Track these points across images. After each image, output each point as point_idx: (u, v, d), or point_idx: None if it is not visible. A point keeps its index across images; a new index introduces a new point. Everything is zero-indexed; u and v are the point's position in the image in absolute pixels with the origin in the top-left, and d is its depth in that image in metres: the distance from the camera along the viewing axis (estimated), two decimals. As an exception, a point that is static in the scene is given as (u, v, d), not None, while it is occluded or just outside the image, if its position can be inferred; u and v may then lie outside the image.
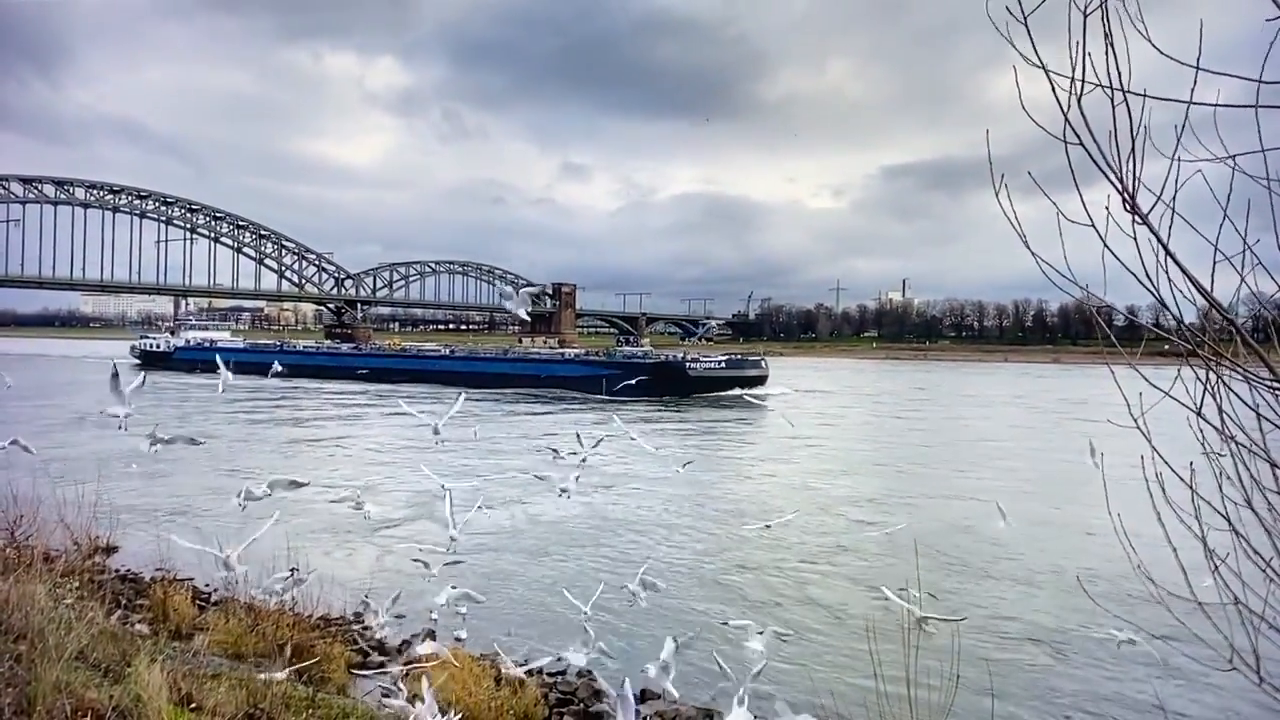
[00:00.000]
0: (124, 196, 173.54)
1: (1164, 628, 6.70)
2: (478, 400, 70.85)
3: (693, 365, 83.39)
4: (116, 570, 17.91)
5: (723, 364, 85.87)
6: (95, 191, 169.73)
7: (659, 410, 67.37)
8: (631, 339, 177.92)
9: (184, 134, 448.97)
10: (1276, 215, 3.16)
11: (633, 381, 67.12)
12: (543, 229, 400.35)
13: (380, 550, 22.10)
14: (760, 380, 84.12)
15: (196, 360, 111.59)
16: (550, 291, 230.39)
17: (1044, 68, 3.20)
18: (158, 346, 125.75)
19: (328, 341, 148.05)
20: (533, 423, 57.25)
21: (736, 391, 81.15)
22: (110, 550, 19.14)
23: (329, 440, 46.02)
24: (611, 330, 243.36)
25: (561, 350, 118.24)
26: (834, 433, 53.54)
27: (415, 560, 12.87)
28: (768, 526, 17.63)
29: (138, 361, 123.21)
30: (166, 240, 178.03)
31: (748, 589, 19.09)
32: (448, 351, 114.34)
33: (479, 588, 14.16)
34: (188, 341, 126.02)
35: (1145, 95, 3.11)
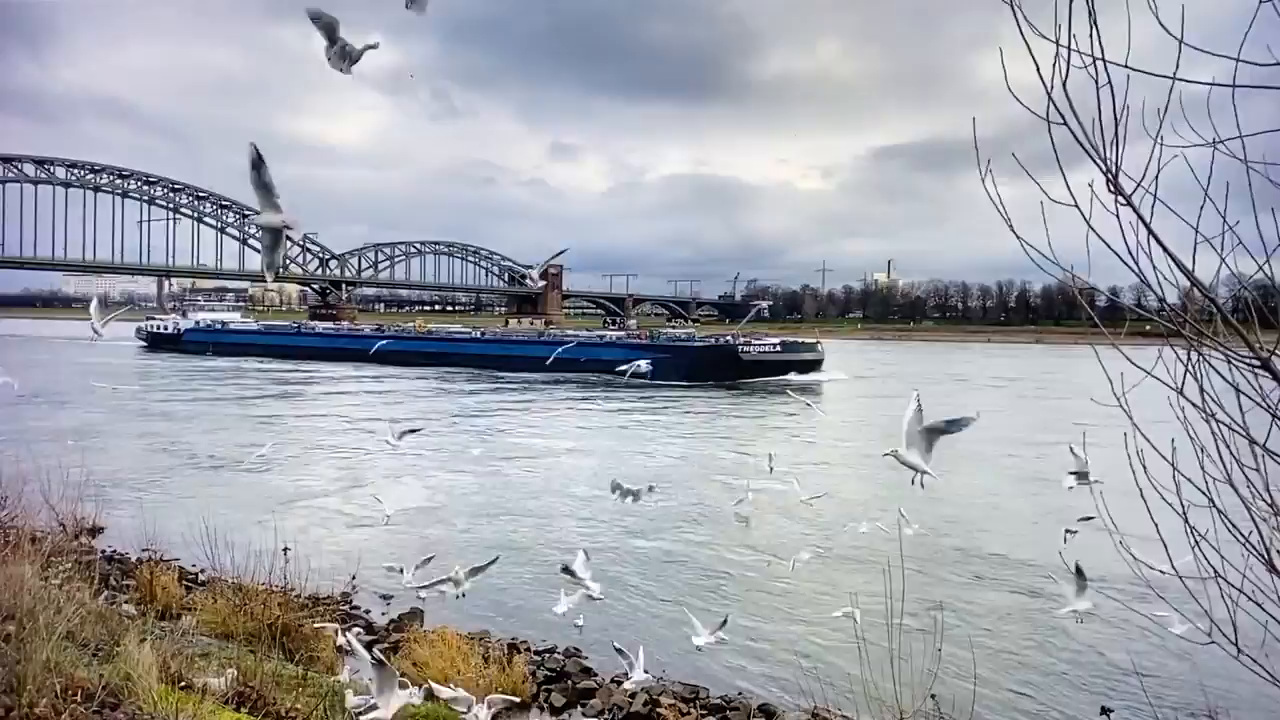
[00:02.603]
0: (105, 176, 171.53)
1: (1144, 602, 6.80)
2: (513, 385, 68.87)
3: (746, 349, 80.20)
4: (103, 551, 17.89)
5: (777, 347, 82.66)
6: (76, 171, 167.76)
7: (721, 399, 64.15)
8: (619, 320, 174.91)
9: (172, 112, 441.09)
10: (1255, 197, 3.21)
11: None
12: (533, 209, 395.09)
13: (373, 532, 22.14)
14: (816, 364, 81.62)
15: (207, 343, 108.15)
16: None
17: (1027, 42, 3.23)
18: (165, 328, 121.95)
19: (346, 324, 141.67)
20: (589, 413, 53.65)
21: (791, 377, 77.67)
22: (96, 531, 19.12)
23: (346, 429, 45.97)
24: (599, 311, 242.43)
25: (601, 333, 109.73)
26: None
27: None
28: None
29: (144, 344, 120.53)
30: (149, 220, 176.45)
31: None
32: (478, 334, 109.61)
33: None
34: (197, 323, 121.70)
35: (1127, 68, 3.14)
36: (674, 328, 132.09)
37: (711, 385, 73.51)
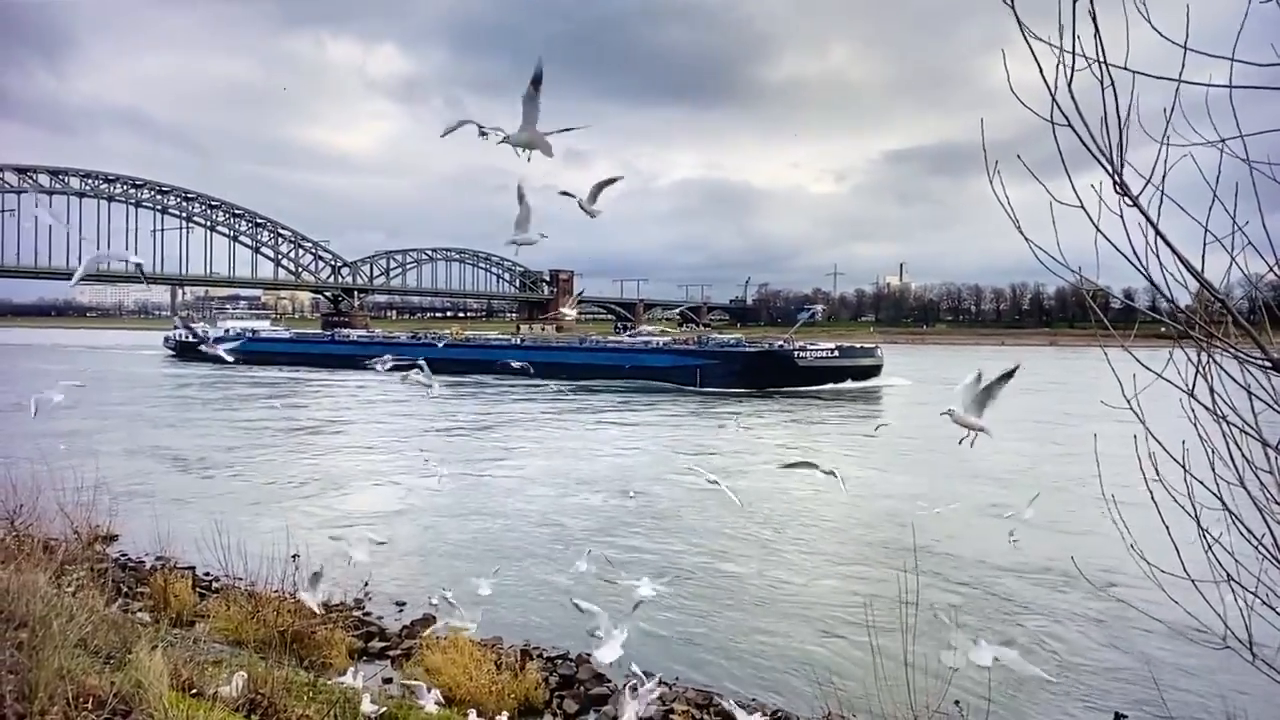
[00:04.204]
0: (119, 185, 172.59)
1: (1158, 607, 6.73)
2: (553, 394, 66.92)
3: (802, 354, 77.66)
4: (116, 558, 17.97)
5: (835, 352, 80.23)
6: (90, 180, 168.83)
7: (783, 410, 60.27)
8: (629, 325, 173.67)
9: (187, 122, 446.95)
10: (1263, 197, 3.17)
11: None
12: (545, 216, 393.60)
13: (386, 540, 22.16)
14: (875, 370, 79.86)
15: (238, 351, 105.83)
16: (548, 278, 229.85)
17: (1030, 44, 3.21)
18: (193, 337, 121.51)
19: (379, 330, 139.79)
20: (653, 426, 50.09)
21: (849, 384, 75.84)
22: (110, 538, 19.20)
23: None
24: (609, 317, 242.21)
25: (647, 339, 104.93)
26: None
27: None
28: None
29: (171, 352, 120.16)
30: (163, 229, 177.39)
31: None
32: (518, 340, 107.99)
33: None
34: (227, 331, 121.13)
35: (1131, 70, 3.12)
36: (711, 333, 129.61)
37: (764, 392, 71.14)
